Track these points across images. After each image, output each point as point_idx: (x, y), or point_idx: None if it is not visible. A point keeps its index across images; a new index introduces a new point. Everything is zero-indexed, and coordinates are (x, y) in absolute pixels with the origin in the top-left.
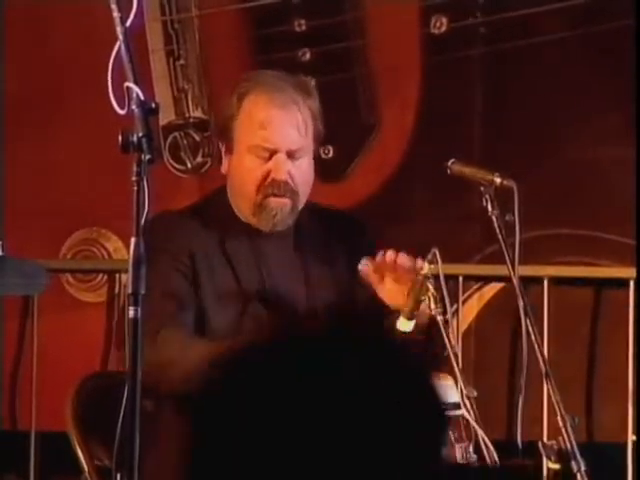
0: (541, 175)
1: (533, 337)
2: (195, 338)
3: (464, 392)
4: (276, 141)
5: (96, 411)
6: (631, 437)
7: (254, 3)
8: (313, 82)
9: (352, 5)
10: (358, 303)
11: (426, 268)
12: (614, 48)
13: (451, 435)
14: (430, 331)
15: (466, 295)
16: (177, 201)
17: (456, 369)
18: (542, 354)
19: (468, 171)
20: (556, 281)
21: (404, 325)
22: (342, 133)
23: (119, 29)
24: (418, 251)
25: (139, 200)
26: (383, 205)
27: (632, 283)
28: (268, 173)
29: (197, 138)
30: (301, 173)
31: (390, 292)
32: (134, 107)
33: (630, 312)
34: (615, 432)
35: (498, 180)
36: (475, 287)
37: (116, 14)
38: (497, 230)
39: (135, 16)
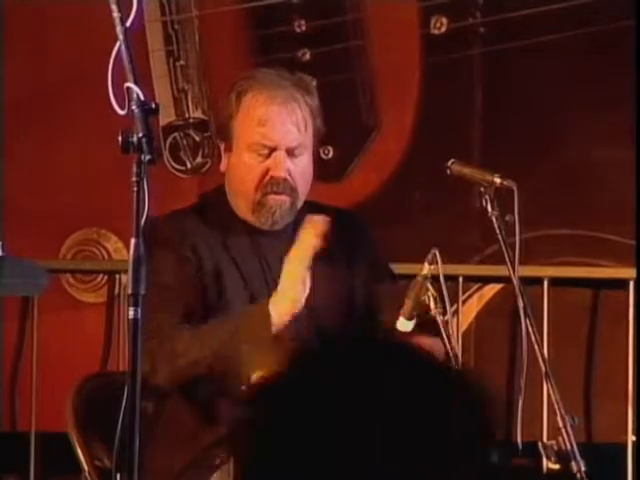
0: (541, 175)
1: (533, 337)
2: (202, 325)
3: None
4: (275, 138)
5: (96, 411)
6: (631, 437)
7: (254, 3)
8: (314, 82)
9: (352, 6)
10: (357, 300)
11: (426, 268)
12: (614, 48)
13: None
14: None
15: (466, 295)
16: (177, 201)
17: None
18: (542, 354)
19: (468, 171)
20: (556, 281)
21: (404, 325)
22: (342, 133)
23: (119, 29)
24: (418, 251)
25: (139, 200)
26: (383, 205)
27: (632, 283)
28: (267, 171)
29: (197, 138)
30: (300, 170)
31: None
32: (134, 107)
33: (630, 312)
34: (615, 432)
35: (498, 180)
36: (475, 287)
37: (116, 14)
38: (497, 230)
39: (135, 16)
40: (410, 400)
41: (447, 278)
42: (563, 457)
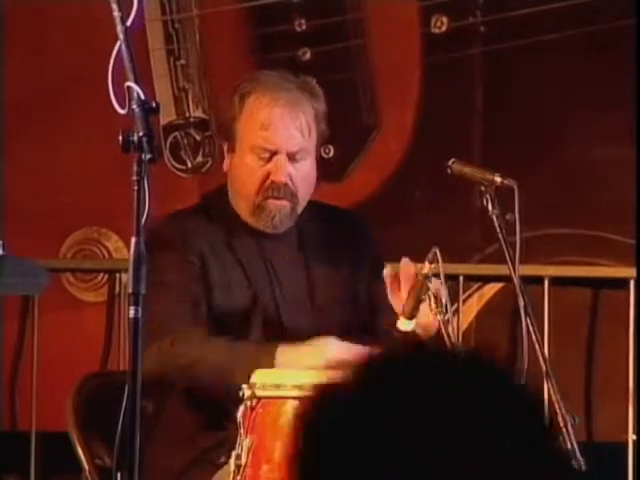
0: (541, 175)
1: (533, 336)
2: (213, 337)
3: None
4: (276, 142)
5: (96, 410)
6: (631, 436)
7: (254, 2)
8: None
9: (352, 5)
10: (359, 300)
11: (427, 268)
12: (614, 47)
13: None
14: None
15: (466, 294)
16: (178, 200)
17: None
18: (542, 353)
19: (468, 171)
20: (556, 281)
21: (404, 325)
22: (342, 133)
23: (119, 28)
24: (418, 251)
25: (139, 199)
26: (383, 204)
27: (632, 283)
28: (268, 174)
29: (198, 138)
30: (302, 175)
31: (401, 302)
32: (134, 106)
33: (630, 312)
34: (615, 431)
35: (498, 180)
36: (475, 287)
37: (116, 13)
38: (497, 230)
39: (135, 15)
40: (484, 424)
41: (448, 277)
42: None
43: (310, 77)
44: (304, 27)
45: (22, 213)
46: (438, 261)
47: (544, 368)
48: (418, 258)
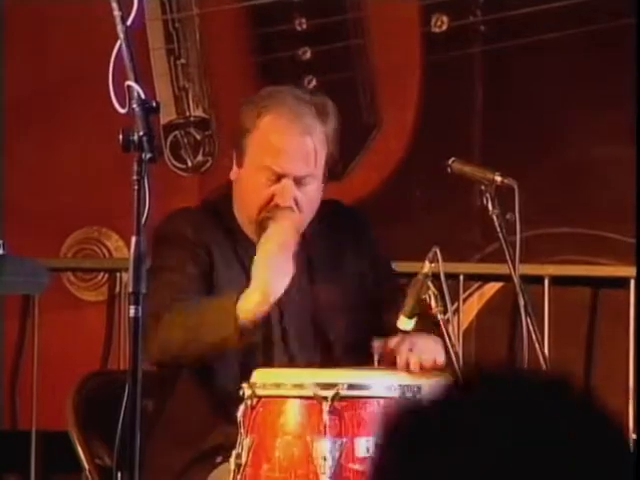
0: (541, 174)
1: (533, 336)
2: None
3: None
4: (286, 168)
5: (97, 410)
6: (631, 435)
7: (255, 2)
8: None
9: (353, 4)
10: (360, 298)
11: (427, 267)
12: (614, 46)
13: None
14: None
15: (467, 294)
16: (178, 200)
17: (457, 368)
18: (542, 352)
19: (468, 170)
20: (556, 280)
21: (404, 324)
22: (342, 132)
23: (120, 28)
24: (418, 250)
25: (140, 199)
26: (384, 204)
27: (632, 282)
28: (272, 196)
29: (198, 137)
30: (307, 198)
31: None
32: (135, 106)
33: (630, 311)
34: None
35: (498, 179)
36: (476, 286)
37: (117, 13)
38: (498, 229)
39: (136, 15)
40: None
41: (448, 276)
42: None
43: (323, 96)
44: (304, 26)
45: (22, 213)
46: (438, 260)
47: (544, 367)
48: (418, 257)
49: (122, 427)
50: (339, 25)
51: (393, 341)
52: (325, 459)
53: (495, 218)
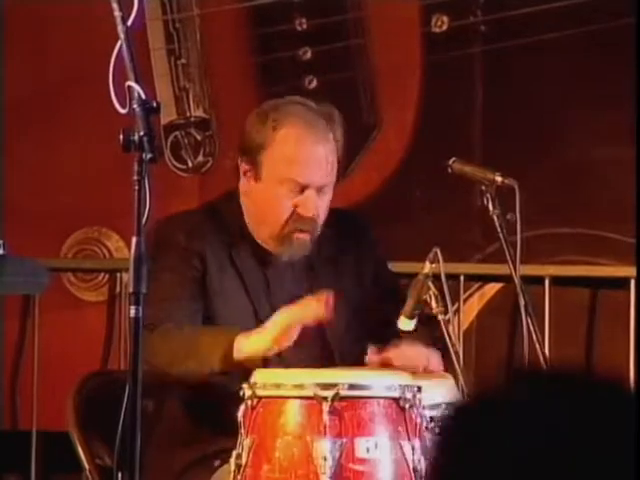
0: (541, 174)
1: (534, 336)
2: (200, 326)
3: (465, 391)
4: (309, 178)
5: (97, 410)
6: None
7: (255, 2)
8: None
9: (353, 4)
10: (363, 302)
11: (427, 267)
12: (614, 47)
13: None
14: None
15: (467, 294)
16: (178, 200)
17: (457, 368)
18: (543, 353)
19: (469, 170)
20: (557, 280)
21: (405, 324)
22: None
23: (120, 28)
24: (419, 250)
25: (140, 199)
26: (384, 204)
27: (633, 282)
28: (295, 207)
29: (198, 137)
30: (325, 206)
31: (398, 358)
32: (135, 106)
33: (631, 311)
34: None
35: (499, 179)
36: (476, 286)
37: (117, 13)
38: (498, 229)
39: (136, 15)
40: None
41: (448, 277)
42: None
43: (328, 105)
44: (305, 26)
45: (23, 213)
46: (439, 261)
47: (544, 367)
48: (419, 257)
49: (122, 427)
50: (339, 25)
51: (386, 354)
52: (325, 459)
53: (495, 218)
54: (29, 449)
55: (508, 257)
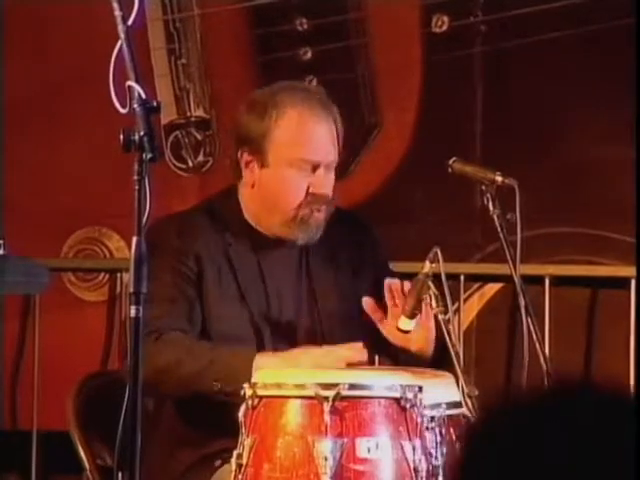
0: (542, 174)
1: (534, 336)
2: (199, 341)
3: (465, 391)
4: (318, 154)
5: (97, 410)
6: None
7: (255, 2)
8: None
9: (353, 4)
10: (361, 305)
11: (427, 267)
12: (614, 47)
13: (452, 433)
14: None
15: (467, 294)
16: (178, 200)
17: (457, 368)
18: (543, 352)
19: (469, 170)
20: (557, 280)
21: (405, 324)
22: (343, 132)
23: (120, 28)
24: (419, 250)
25: (140, 199)
26: (384, 204)
27: (633, 282)
28: (308, 187)
29: (199, 137)
30: (332, 184)
31: (393, 330)
32: (136, 106)
33: (631, 311)
34: None
35: (499, 179)
36: (476, 286)
37: (117, 13)
38: (498, 229)
39: (137, 15)
40: None
41: (448, 276)
42: None
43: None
44: (305, 26)
45: (23, 213)
46: (439, 260)
47: (545, 367)
48: (419, 257)
49: (123, 427)
50: (340, 25)
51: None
52: (326, 459)
53: (496, 218)
54: (29, 449)
55: (508, 257)
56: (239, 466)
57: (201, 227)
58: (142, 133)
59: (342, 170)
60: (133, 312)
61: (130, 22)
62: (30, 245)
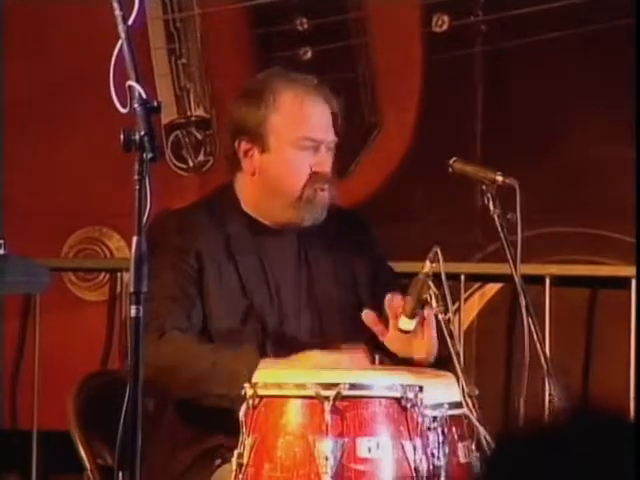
0: (542, 174)
1: (535, 335)
2: (201, 343)
3: (466, 390)
4: (322, 133)
5: (98, 409)
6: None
7: (256, 2)
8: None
9: (354, 4)
10: (361, 300)
11: (428, 267)
12: (614, 47)
13: (454, 433)
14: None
15: (468, 293)
16: (179, 199)
17: (458, 368)
18: (544, 352)
19: (470, 169)
20: (557, 280)
21: (405, 324)
22: (343, 132)
23: (121, 28)
24: (419, 249)
25: (141, 199)
26: (385, 203)
27: (634, 282)
28: (311, 167)
29: (199, 137)
30: (331, 164)
31: (395, 341)
32: (136, 106)
33: (632, 310)
34: None
35: (500, 179)
36: (477, 285)
37: (118, 12)
38: (499, 228)
39: (137, 14)
40: None
41: (449, 276)
42: None
43: (307, 75)
44: (305, 26)
45: (23, 212)
46: (439, 260)
47: (545, 367)
48: (419, 257)
49: (123, 427)
50: (340, 25)
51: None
52: (327, 459)
53: (496, 218)
54: (29, 449)
55: (509, 256)
56: (240, 466)
57: (201, 224)
58: (142, 133)
59: (342, 170)
60: (133, 312)
61: (130, 22)
62: (30, 245)
